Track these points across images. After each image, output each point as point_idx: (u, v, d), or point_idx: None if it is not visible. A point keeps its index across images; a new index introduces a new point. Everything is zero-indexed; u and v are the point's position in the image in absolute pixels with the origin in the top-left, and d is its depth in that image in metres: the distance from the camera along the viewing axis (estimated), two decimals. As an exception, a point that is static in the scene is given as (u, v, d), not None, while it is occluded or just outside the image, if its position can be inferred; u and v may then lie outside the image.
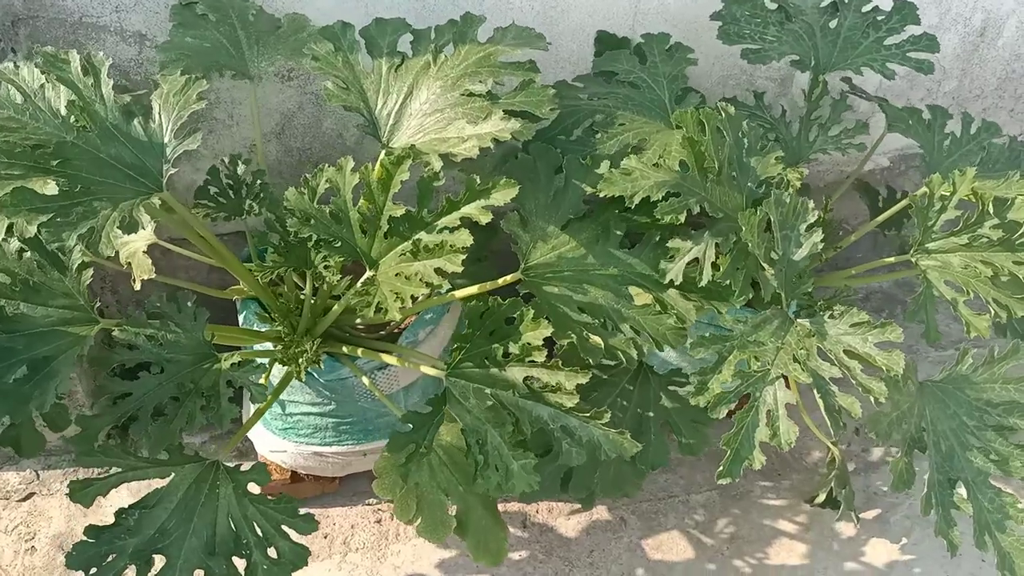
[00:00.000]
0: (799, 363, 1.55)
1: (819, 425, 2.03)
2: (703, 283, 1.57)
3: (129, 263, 1.65)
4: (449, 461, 1.62)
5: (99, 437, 1.45)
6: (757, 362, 1.57)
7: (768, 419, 1.53)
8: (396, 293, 1.47)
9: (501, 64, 1.61)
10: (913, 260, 1.82)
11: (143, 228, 1.44)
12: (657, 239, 1.64)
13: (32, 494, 2.21)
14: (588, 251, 1.63)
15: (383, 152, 1.64)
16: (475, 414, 1.54)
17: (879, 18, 1.97)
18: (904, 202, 1.95)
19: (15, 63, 1.47)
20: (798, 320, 1.65)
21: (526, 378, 1.51)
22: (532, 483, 1.45)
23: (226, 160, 1.67)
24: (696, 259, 1.59)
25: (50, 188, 1.42)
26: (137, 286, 1.78)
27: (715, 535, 2.21)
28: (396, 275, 1.51)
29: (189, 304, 1.57)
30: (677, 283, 1.59)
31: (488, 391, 1.54)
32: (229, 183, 1.68)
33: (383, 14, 1.91)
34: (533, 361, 1.49)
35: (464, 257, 1.44)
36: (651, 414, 1.77)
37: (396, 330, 1.97)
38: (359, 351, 1.79)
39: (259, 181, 1.67)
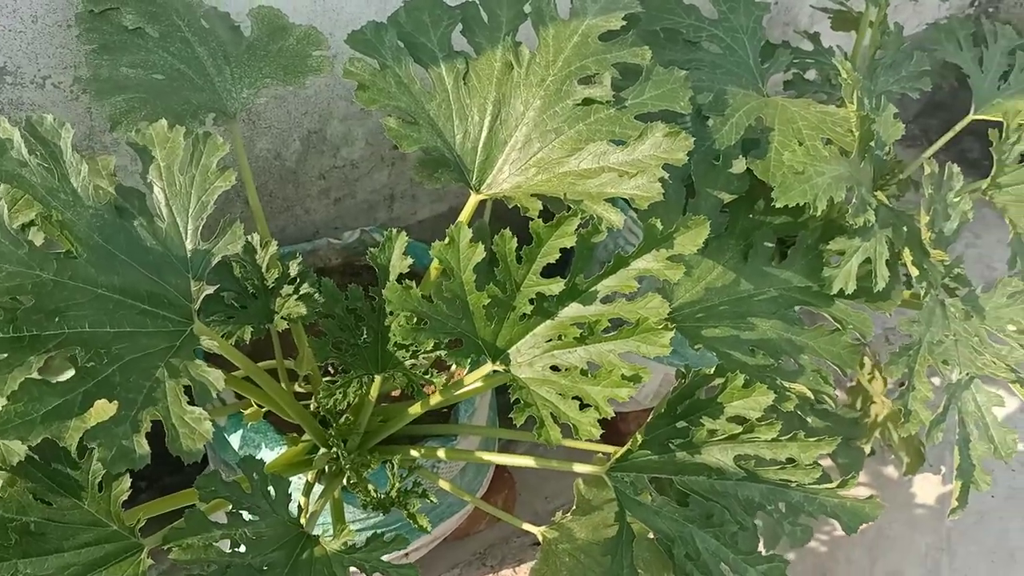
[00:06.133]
0: (991, 357, 1.35)
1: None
2: (881, 287, 1.29)
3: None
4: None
5: None
6: (947, 366, 1.35)
7: (980, 431, 1.33)
8: (578, 399, 1.06)
9: (605, 47, 1.19)
10: (988, 197, 1.67)
11: (216, 393, 0.91)
12: (808, 243, 1.33)
13: None
14: (738, 275, 1.30)
15: (474, 197, 1.18)
16: (668, 515, 1.19)
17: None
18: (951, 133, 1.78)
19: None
20: (947, 302, 1.44)
21: (737, 457, 1.18)
22: (791, 595, 1.14)
23: (239, 250, 1.12)
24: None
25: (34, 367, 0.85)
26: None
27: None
28: (554, 368, 1.10)
29: (256, 476, 1.06)
30: (849, 291, 1.30)
31: (675, 480, 1.20)
32: (249, 281, 1.13)
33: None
34: (754, 438, 1.15)
35: (672, 335, 1.05)
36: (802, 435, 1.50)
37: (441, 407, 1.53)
38: (440, 452, 1.35)
39: (296, 270, 1.14)
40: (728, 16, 1.46)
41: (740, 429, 1.15)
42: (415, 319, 1.07)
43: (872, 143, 1.28)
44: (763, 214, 1.33)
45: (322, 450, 1.32)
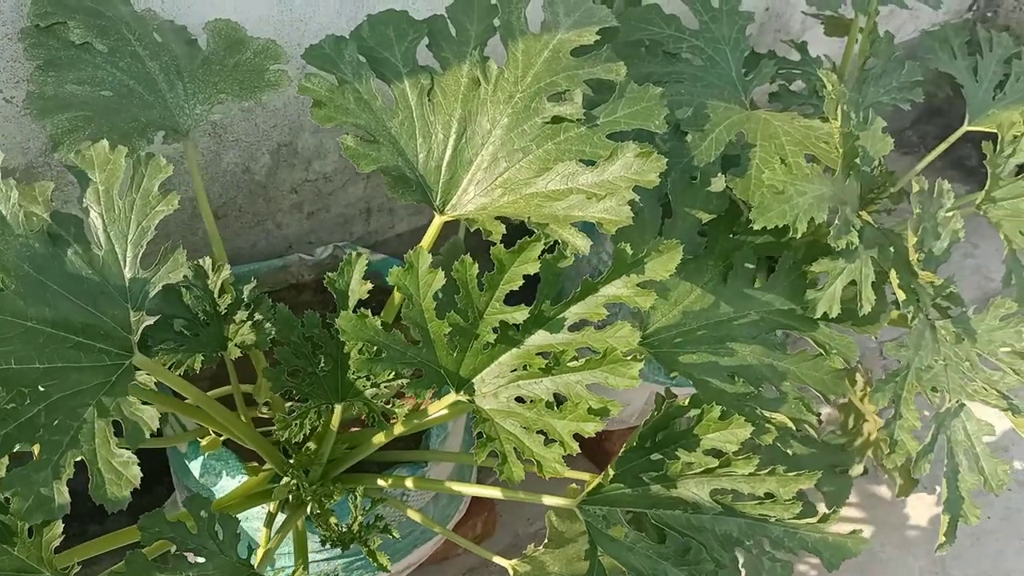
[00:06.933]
0: (982, 383, 1.29)
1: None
2: (866, 310, 1.24)
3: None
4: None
5: None
6: (936, 393, 1.29)
7: (969, 462, 1.27)
8: (543, 434, 1.01)
9: (577, 63, 1.13)
10: (982, 212, 1.61)
11: (149, 435, 0.86)
12: (791, 263, 1.28)
13: None
14: (717, 297, 1.24)
15: (438, 219, 1.13)
16: (641, 551, 1.13)
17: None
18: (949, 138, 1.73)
19: None
20: (938, 324, 1.38)
21: (714, 492, 1.12)
22: (773, 640, 1.09)
23: (189, 273, 1.07)
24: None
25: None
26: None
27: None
28: (519, 400, 1.05)
29: (204, 514, 1.01)
30: (833, 315, 1.24)
31: (649, 514, 1.14)
32: (200, 307, 1.08)
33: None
34: (731, 472, 1.10)
35: (641, 366, 1.00)
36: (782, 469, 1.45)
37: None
38: (408, 482, 1.29)
39: (249, 295, 1.09)
40: (710, 26, 1.40)
41: (717, 463, 1.09)
42: (373, 348, 1.02)
43: (858, 160, 1.23)
44: (744, 233, 1.27)
45: (283, 479, 1.27)
